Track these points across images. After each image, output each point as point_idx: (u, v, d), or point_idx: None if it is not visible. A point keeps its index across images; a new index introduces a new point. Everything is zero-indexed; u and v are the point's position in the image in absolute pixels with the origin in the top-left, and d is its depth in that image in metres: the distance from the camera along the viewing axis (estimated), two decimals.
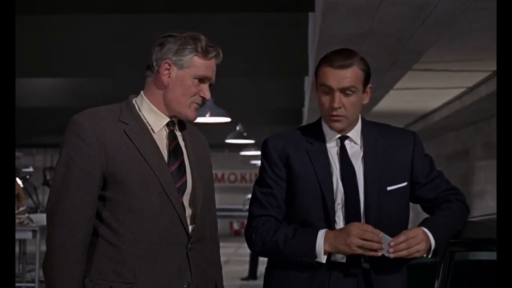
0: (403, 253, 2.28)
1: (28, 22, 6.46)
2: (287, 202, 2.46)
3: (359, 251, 2.30)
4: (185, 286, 2.21)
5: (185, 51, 2.23)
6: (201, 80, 2.26)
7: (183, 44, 2.23)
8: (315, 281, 2.38)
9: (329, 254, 2.36)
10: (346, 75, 2.37)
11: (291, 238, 2.37)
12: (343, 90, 2.38)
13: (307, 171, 2.42)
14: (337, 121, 2.41)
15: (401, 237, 2.29)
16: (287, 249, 2.38)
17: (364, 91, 2.43)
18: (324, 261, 2.35)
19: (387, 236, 2.29)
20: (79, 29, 6.65)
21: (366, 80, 2.43)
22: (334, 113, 2.39)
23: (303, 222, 2.40)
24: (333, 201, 2.39)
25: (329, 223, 2.38)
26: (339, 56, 2.39)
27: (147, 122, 2.26)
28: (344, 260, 2.38)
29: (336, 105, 2.38)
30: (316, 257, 2.34)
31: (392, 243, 2.28)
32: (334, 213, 2.38)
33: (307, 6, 5.33)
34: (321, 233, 2.34)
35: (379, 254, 2.29)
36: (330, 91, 2.39)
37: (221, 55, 2.29)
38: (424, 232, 2.34)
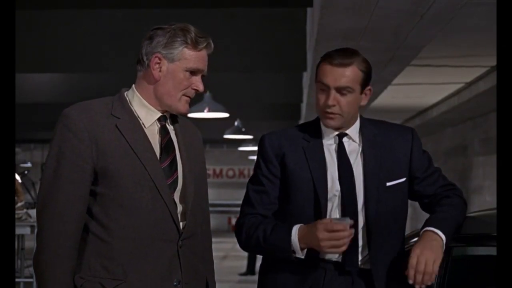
0: (427, 278, 2.25)
1: (25, 18, 6.45)
2: (282, 198, 2.45)
3: (334, 251, 2.28)
4: (175, 283, 2.18)
5: (175, 44, 2.19)
6: (193, 72, 2.22)
7: (172, 36, 2.19)
8: (309, 279, 2.38)
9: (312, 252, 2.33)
10: (344, 74, 2.35)
11: (269, 234, 2.37)
12: (339, 89, 2.36)
13: (301, 168, 2.41)
14: (331, 118, 2.40)
15: (410, 272, 2.26)
16: (266, 245, 2.38)
17: (362, 92, 2.41)
18: (303, 257, 2.32)
19: (344, 219, 2.26)
20: (76, 25, 6.64)
21: (365, 82, 2.40)
22: (328, 110, 2.38)
23: (298, 219, 2.38)
24: (326, 198, 2.38)
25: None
26: (340, 55, 2.37)
27: (138, 116, 2.22)
28: (339, 259, 2.38)
29: (330, 102, 2.36)
30: (295, 253, 2.32)
31: (410, 281, 2.26)
32: (326, 210, 2.37)
33: (305, 1, 5.33)
34: (295, 229, 2.32)
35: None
36: (326, 88, 2.38)
37: (212, 45, 2.24)
38: (432, 234, 2.32)
